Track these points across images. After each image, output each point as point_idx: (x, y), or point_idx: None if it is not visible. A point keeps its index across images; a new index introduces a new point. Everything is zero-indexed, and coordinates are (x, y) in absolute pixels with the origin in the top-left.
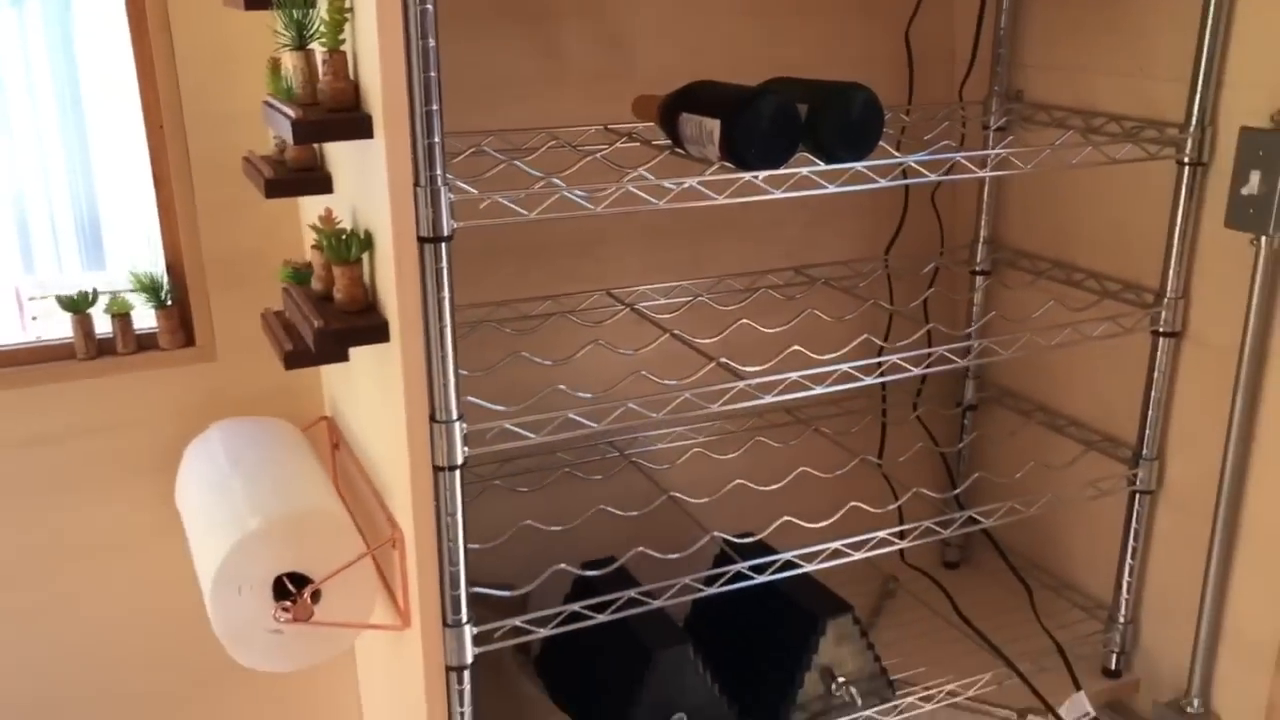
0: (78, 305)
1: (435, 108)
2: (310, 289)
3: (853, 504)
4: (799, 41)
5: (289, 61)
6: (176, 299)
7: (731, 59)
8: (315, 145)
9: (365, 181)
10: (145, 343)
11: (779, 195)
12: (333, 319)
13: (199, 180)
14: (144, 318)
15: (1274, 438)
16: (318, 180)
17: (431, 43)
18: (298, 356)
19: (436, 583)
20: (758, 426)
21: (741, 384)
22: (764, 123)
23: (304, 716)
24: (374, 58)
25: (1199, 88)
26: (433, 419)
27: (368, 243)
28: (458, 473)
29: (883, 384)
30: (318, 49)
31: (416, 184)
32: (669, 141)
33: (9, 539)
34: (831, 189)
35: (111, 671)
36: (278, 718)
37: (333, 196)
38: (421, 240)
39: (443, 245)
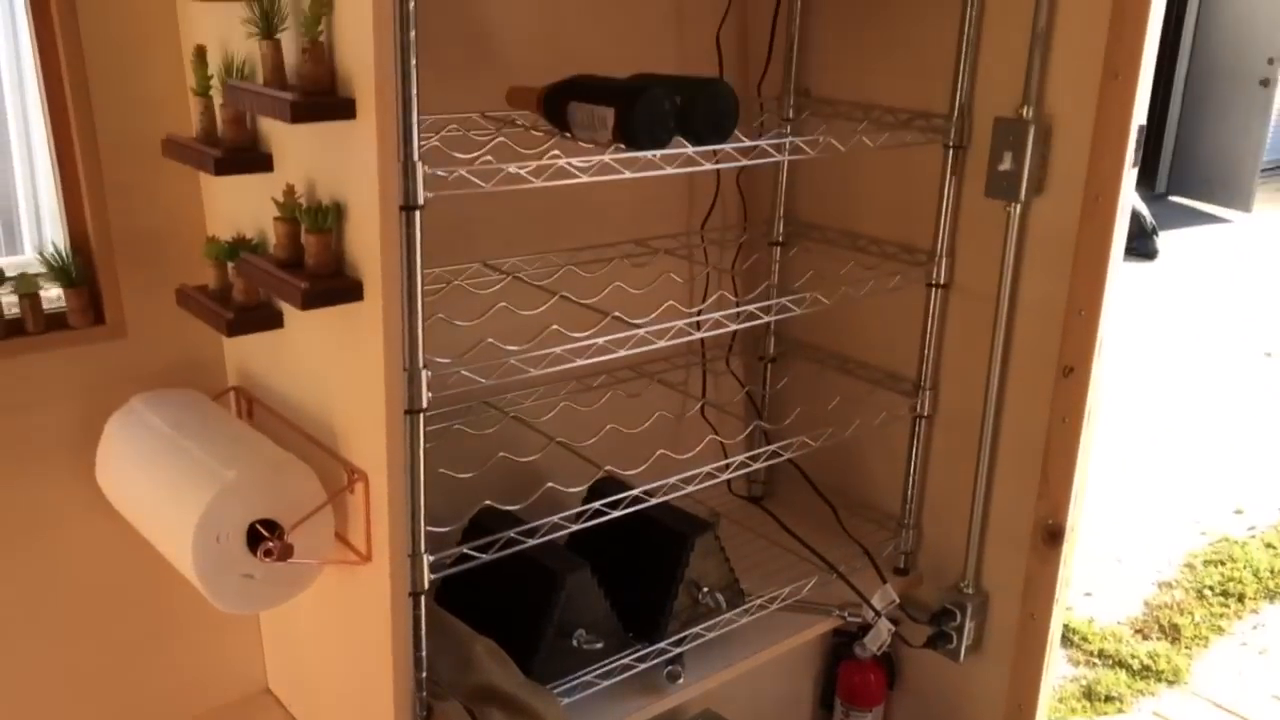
0: None
1: (414, 92)
2: (271, 257)
3: (687, 454)
4: (628, 42)
5: (260, 48)
6: (85, 278)
7: (571, 56)
8: (249, 126)
9: (335, 158)
10: (55, 322)
11: (670, 171)
12: (314, 281)
13: (105, 162)
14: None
15: (1025, 368)
16: (260, 159)
17: (414, 35)
18: (240, 324)
19: (403, 517)
20: (608, 383)
21: (642, 330)
22: (653, 111)
23: (214, 676)
24: (365, 47)
25: (958, 85)
26: (405, 368)
27: (339, 213)
28: (422, 416)
29: (702, 340)
30: (286, 38)
31: (398, 159)
32: (554, 127)
33: None
34: (669, 170)
35: (28, 644)
36: (191, 680)
37: (271, 174)
38: (401, 209)
39: (417, 213)
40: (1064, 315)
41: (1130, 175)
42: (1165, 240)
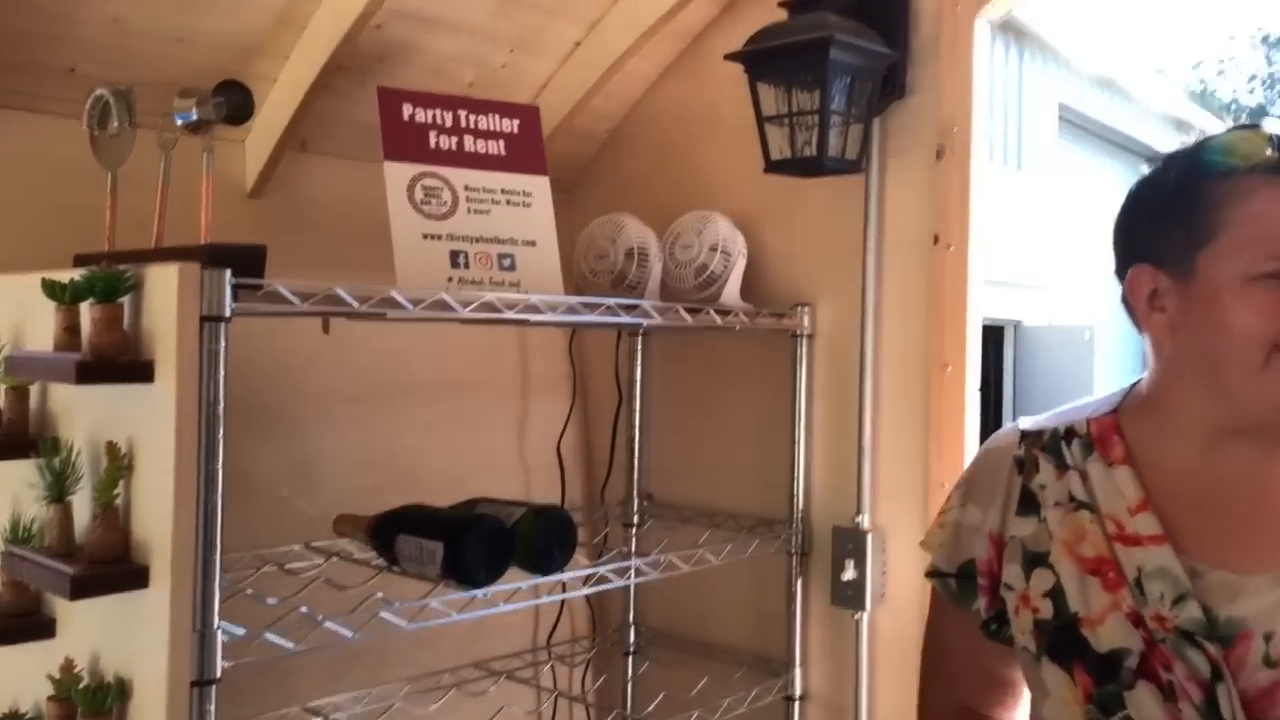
0: None
1: (217, 556)
2: None
3: None
4: (469, 457)
5: (48, 511)
6: None
7: (408, 476)
8: (34, 589)
9: (123, 628)
10: None
11: (507, 608)
12: None
13: None
14: None
15: None
16: (40, 626)
17: (219, 498)
18: None
19: None
20: None
21: None
22: (484, 544)
23: None
24: (164, 515)
25: (795, 495)
26: None
27: (123, 691)
28: None
29: None
30: (79, 499)
31: (193, 628)
32: (383, 560)
33: None
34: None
35: None
36: None
37: (54, 641)
38: (194, 684)
39: (213, 688)
40: None
41: None
42: None
